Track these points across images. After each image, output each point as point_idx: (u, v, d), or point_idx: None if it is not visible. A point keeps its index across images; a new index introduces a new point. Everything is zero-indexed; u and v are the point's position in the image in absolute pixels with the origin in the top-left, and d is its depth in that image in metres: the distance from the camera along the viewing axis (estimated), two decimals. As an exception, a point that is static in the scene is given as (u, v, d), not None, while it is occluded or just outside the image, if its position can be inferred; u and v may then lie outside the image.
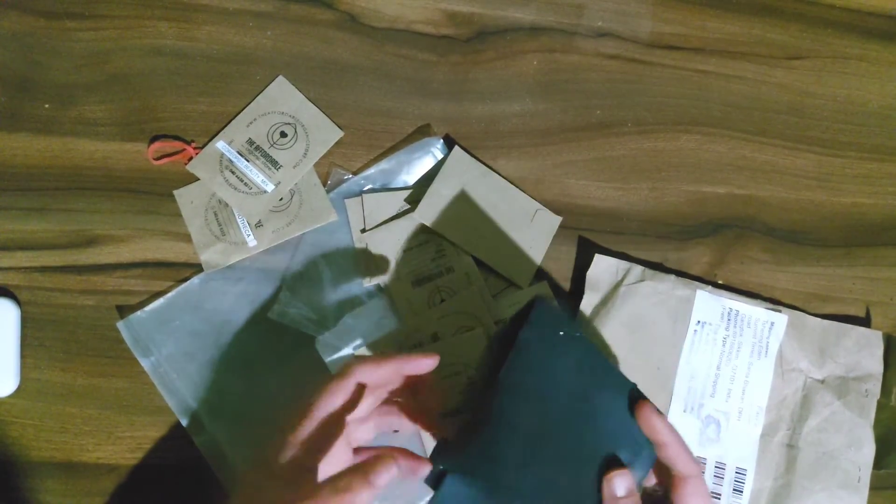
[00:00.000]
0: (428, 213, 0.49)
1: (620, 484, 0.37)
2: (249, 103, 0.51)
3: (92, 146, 0.50)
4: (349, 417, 0.38)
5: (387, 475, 0.36)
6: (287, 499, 0.35)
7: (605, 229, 0.53)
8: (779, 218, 0.54)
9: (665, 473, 0.39)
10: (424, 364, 0.40)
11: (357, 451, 0.40)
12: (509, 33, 0.54)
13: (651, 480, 0.40)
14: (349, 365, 0.39)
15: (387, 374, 0.40)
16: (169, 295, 0.48)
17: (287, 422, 0.37)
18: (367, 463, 0.36)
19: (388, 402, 0.43)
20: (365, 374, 0.39)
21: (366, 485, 0.35)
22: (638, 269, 0.51)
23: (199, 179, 0.50)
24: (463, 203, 0.50)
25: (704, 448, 0.48)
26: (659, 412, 0.38)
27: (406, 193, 0.50)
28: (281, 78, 0.52)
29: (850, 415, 0.49)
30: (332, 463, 0.37)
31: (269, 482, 0.36)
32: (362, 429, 0.41)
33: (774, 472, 0.48)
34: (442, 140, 0.52)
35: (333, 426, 0.37)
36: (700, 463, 0.40)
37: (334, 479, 0.35)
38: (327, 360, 0.48)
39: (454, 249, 0.50)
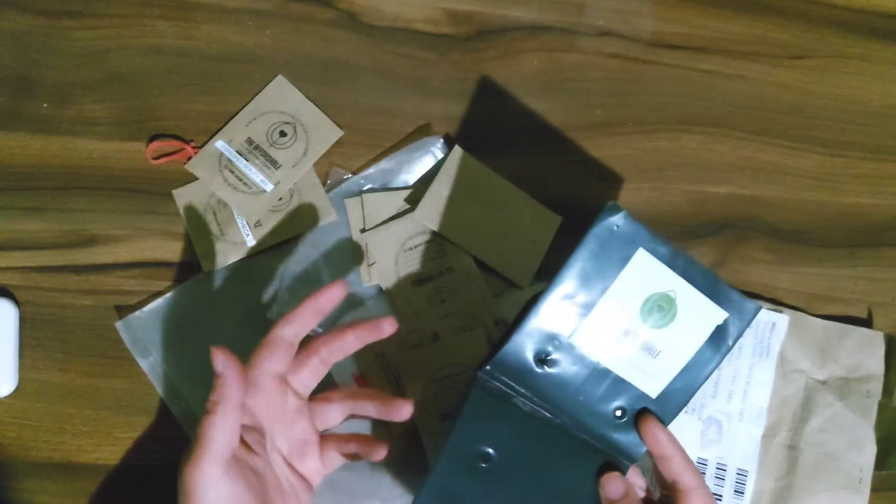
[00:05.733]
0: (428, 213, 0.49)
1: (615, 486, 0.38)
2: (249, 102, 0.51)
3: (90, 145, 0.50)
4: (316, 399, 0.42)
5: None
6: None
7: (605, 229, 0.53)
8: (781, 218, 0.54)
9: (667, 483, 0.39)
10: (384, 327, 0.41)
11: (323, 437, 0.42)
12: (510, 32, 0.54)
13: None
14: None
15: (346, 345, 0.41)
16: (168, 295, 0.48)
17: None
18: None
19: (357, 391, 0.44)
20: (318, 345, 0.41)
21: None
22: (639, 270, 0.50)
23: (198, 179, 0.50)
24: (463, 203, 0.50)
25: (706, 449, 0.48)
26: (662, 424, 0.39)
27: (406, 193, 0.50)
28: (280, 77, 0.51)
29: (851, 416, 0.49)
30: (295, 438, 0.40)
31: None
32: (330, 411, 0.42)
33: (776, 474, 0.48)
34: (442, 139, 0.52)
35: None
36: (700, 472, 0.40)
37: None
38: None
39: (454, 249, 0.49)
